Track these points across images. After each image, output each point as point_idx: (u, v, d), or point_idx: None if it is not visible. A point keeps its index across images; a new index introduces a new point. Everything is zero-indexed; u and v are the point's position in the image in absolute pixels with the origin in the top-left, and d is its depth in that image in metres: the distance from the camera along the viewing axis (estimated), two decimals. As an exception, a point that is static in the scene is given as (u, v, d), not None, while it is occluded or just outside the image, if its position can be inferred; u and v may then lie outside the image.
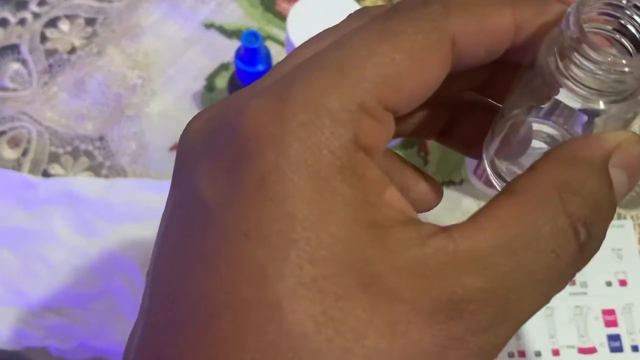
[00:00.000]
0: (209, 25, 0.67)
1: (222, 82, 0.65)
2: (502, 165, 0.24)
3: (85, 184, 0.59)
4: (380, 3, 0.68)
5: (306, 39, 0.57)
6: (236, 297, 0.17)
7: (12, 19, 0.67)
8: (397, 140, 0.61)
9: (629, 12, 0.20)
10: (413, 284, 0.17)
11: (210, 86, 0.65)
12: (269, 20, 0.67)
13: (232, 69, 0.65)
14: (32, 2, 0.68)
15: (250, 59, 0.55)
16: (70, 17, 0.67)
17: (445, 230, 0.18)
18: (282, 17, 0.67)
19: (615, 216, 0.61)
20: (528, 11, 0.20)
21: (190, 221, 0.18)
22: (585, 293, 0.58)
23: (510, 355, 0.55)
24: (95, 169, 0.61)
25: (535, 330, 0.56)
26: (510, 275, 0.18)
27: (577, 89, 0.19)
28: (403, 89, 0.19)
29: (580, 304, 0.57)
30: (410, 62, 0.19)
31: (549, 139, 0.22)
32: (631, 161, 0.19)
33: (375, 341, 0.17)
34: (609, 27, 0.20)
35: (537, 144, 0.23)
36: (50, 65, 0.65)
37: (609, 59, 0.18)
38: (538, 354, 0.56)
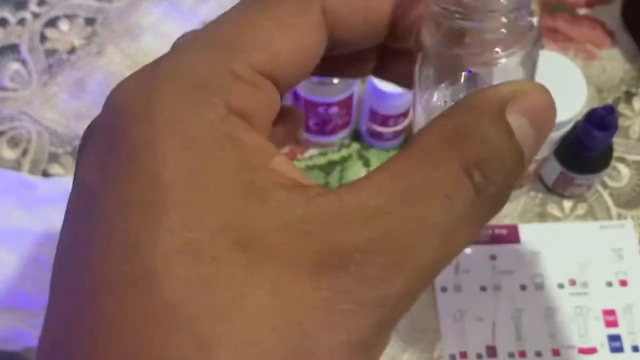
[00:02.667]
0: (209, 25, 0.67)
1: (222, 82, 0.64)
2: None
3: (85, 184, 0.59)
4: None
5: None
6: (113, 271, 0.16)
7: (12, 19, 0.67)
8: (398, 140, 0.61)
9: None
10: (295, 240, 0.17)
11: (210, 86, 0.64)
12: (269, 20, 0.67)
13: (232, 68, 0.65)
14: (32, 1, 0.67)
15: (250, 59, 0.55)
16: (70, 17, 0.67)
17: (335, 191, 0.17)
18: (282, 17, 0.67)
19: (616, 216, 0.61)
20: None
21: (77, 209, 0.18)
22: (586, 293, 0.58)
23: (511, 355, 0.55)
24: (95, 169, 0.61)
25: (536, 330, 0.56)
26: (401, 223, 0.17)
27: (465, 53, 0.19)
28: (276, 54, 0.19)
29: (581, 304, 0.57)
30: (280, 28, 0.19)
31: None
32: (531, 107, 0.18)
33: (256, 300, 0.16)
34: None
35: None
36: (50, 65, 0.65)
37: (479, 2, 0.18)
38: (538, 353, 0.55)
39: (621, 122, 0.63)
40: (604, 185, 0.62)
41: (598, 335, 0.56)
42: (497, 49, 0.19)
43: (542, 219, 0.60)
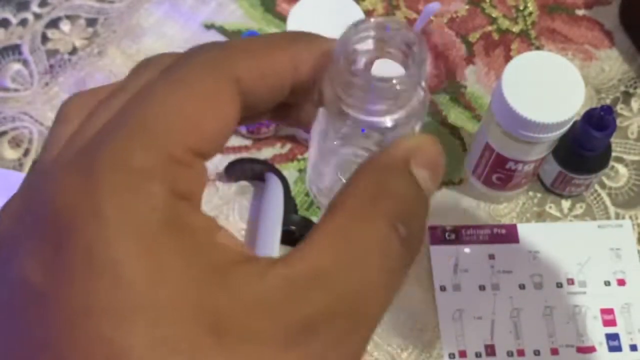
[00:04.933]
0: (210, 26, 0.67)
1: (222, 82, 0.65)
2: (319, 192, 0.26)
3: (86, 183, 0.59)
4: (380, 4, 0.68)
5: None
6: None
7: (13, 20, 0.67)
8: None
9: (389, 33, 0.22)
10: (262, 318, 0.18)
11: (210, 86, 0.65)
12: (269, 21, 0.67)
13: (233, 69, 0.65)
14: (33, 2, 0.68)
15: (251, 60, 0.55)
16: (71, 18, 0.67)
17: (283, 259, 0.19)
18: (282, 18, 0.67)
19: (614, 216, 0.61)
20: (301, 48, 0.22)
21: (20, 311, 0.18)
22: (584, 292, 0.58)
23: (509, 354, 0.56)
24: (96, 169, 0.61)
25: (534, 330, 0.56)
26: (349, 285, 0.19)
27: (360, 116, 0.22)
28: (205, 131, 0.20)
29: (579, 304, 0.58)
30: (204, 107, 0.20)
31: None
32: (430, 160, 0.21)
33: None
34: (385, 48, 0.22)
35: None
36: (51, 66, 0.65)
37: (376, 83, 0.21)
38: (537, 353, 0.56)
39: (619, 122, 0.63)
40: (602, 185, 0.62)
41: (596, 334, 0.56)
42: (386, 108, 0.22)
43: (540, 218, 0.61)
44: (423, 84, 0.22)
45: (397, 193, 0.20)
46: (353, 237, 0.19)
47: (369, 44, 0.22)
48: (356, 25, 0.21)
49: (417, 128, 0.23)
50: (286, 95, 0.22)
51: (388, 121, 0.22)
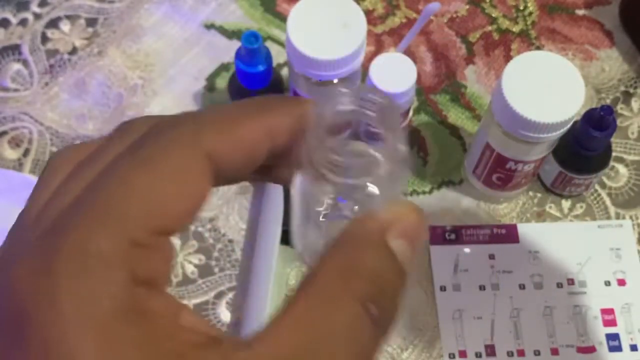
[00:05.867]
0: (210, 26, 0.67)
1: (222, 82, 0.65)
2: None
3: (86, 184, 0.59)
4: (380, 4, 0.68)
5: (307, 39, 0.57)
6: None
7: (13, 20, 0.67)
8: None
9: (363, 106, 0.21)
10: None
11: (210, 86, 0.65)
12: (269, 21, 0.67)
13: (233, 69, 0.65)
14: (33, 2, 0.68)
15: (251, 60, 0.55)
16: (71, 18, 0.67)
17: (247, 343, 0.18)
18: (282, 18, 0.67)
19: (614, 216, 0.61)
20: (275, 115, 0.22)
21: None
22: (585, 292, 0.58)
23: (509, 354, 0.56)
24: (96, 169, 0.61)
25: (534, 330, 0.56)
26: None
27: (337, 181, 0.21)
28: (170, 212, 0.19)
29: (579, 304, 0.58)
30: (171, 186, 0.19)
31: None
32: (407, 229, 0.20)
33: None
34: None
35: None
36: (51, 66, 0.65)
37: (352, 160, 0.20)
38: (537, 353, 0.56)
39: (619, 122, 0.63)
40: (603, 185, 0.62)
41: (596, 334, 0.56)
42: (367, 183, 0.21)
43: (540, 218, 0.61)
44: (402, 144, 0.21)
45: (369, 269, 0.19)
46: (320, 321, 0.18)
47: (345, 113, 0.21)
48: (331, 95, 0.21)
49: (400, 186, 0.22)
50: (263, 160, 0.22)
51: (366, 186, 0.21)
